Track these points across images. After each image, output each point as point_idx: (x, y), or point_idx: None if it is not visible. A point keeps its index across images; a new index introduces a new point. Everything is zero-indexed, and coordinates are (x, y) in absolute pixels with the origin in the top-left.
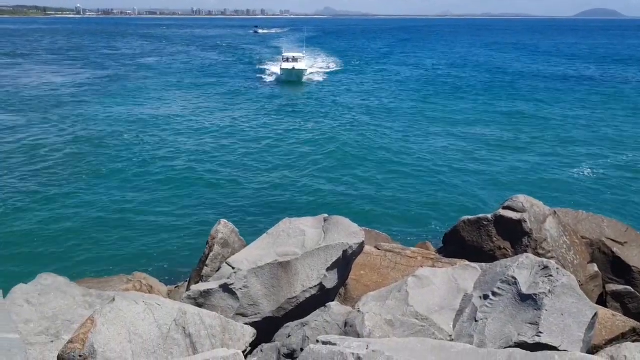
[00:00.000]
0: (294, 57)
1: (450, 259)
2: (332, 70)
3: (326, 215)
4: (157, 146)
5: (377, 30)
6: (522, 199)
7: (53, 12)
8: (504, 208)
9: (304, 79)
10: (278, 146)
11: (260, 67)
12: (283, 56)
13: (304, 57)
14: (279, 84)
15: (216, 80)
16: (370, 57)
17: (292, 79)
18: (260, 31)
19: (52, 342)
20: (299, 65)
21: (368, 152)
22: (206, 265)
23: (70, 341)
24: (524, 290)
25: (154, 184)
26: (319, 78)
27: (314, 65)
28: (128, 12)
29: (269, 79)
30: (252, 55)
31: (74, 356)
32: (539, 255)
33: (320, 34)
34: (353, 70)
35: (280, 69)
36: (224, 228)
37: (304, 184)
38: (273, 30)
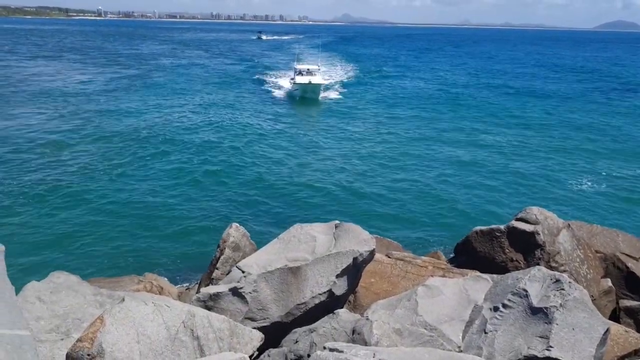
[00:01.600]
0: (308, 69)
1: (461, 270)
2: (349, 80)
3: (337, 221)
4: (171, 148)
5: (394, 37)
6: (535, 211)
7: (75, 14)
8: (517, 219)
9: (321, 95)
10: (292, 156)
11: (268, 78)
12: (296, 69)
13: (319, 69)
14: (290, 99)
15: (222, 93)
16: (389, 67)
17: (307, 95)
18: (263, 37)
19: (62, 340)
20: (315, 79)
21: (381, 161)
22: (217, 268)
23: (79, 340)
24: (535, 303)
25: (167, 185)
26: (335, 94)
27: (330, 77)
28: (148, 14)
29: (278, 93)
30: (264, 63)
31: (82, 355)
32: (551, 268)
33: (338, 39)
34: (371, 83)
35: (293, 83)
36: (235, 232)
37: (316, 191)
38: (279, 37)
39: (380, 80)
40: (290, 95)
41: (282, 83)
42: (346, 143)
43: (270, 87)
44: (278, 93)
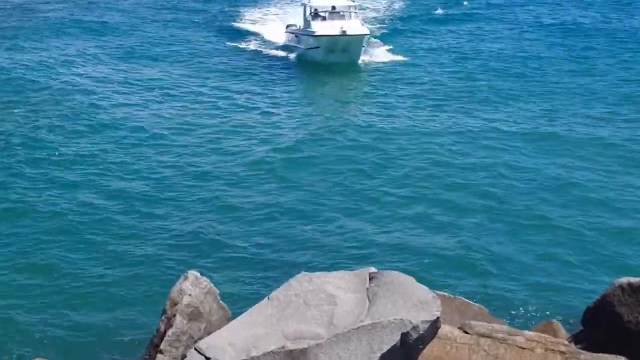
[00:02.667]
0: (334, 8)
1: (595, 354)
2: (401, 21)
3: (373, 269)
4: (95, 141)
5: None
6: None
7: None
8: None
9: (361, 56)
10: (291, 151)
11: (244, 25)
12: (310, 7)
13: (355, 6)
14: (300, 65)
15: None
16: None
17: (336, 57)
18: None
19: None
20: (352, 27)
21: (448, 175)
22: (160, 352)
23: None
24: None
25: (80, 201)
26: (382, 50)
27: (366, 18)
28: None
29: (268, 53)
30: None
31: None
32: None
33: None
34: (443, 25)
35: (312, 36)
36: (193, 287)
37: (335, 213)
38: None
39: (459, 22)
40: (301, 58)
41: (270, 33)
42: (384, 141)
43: (252, 43)
44: (269, 53)
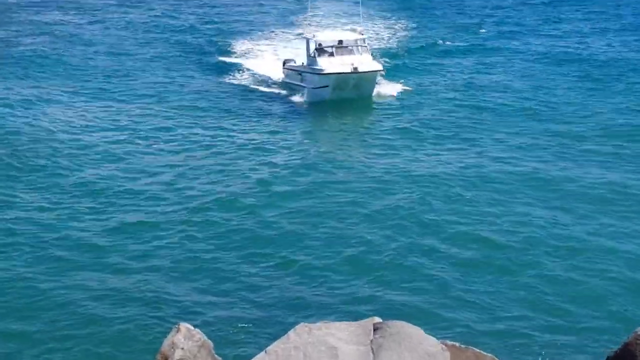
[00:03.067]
0: (340, 42)
1: None
2: (413, 52)
3: (378, 319)
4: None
5: None
6: None
7: None
8: None
9: (375, 91)
10: (292, 197)
11: (235, 59)
12: (316, 43)
13: (364, 38)
14: (305, 105)
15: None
16: (489, 23)
17: (348, 94)
18: None
19: None
20: (364, 63)
21: (452, 221)
22: None
23: None
24: None
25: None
26: (395, 87)
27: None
28: None
29: (264, 90)
30: (218, 25)
31: None
32: None
33: None
34: (460, 56)
35: (320, 74)
36: (186, 340)
37: (336, 260)
38: None
39: (466, 54)
40: (307, 98)
41: (264, 68)
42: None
43: (247, 79)
44: (266, 91)
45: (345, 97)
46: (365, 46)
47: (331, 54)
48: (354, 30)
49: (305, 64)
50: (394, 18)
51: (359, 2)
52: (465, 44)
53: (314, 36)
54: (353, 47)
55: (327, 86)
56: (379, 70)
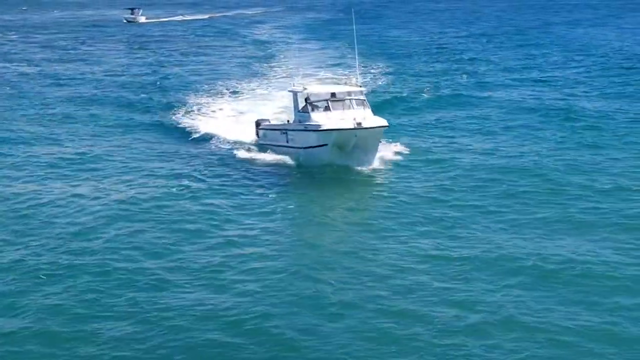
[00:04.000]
0: (333, 95)
1: None
2: (394, 105)
3: None
4: None
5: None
6: None
7: None
8: None
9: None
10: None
11: (192, 121)
12: (309, 96)
13: (362, 90)
14: (290, 170)
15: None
16: (458, 72)
17: (350, 158)
18: (140, 18)
19: None
20: (369, 118)
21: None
22: None
23: None
24: None
25: None
26: (393, 148)
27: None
28: None
29: (242, 156)
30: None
31: None
32: None
33: (341, 11)
34: (446, 109)
35: (316, 130)
36: None
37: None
38: (193, 17)
39: (454, 106)
40: (298, 161)
41: (228, 129)
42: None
43: (212, 143)
44: (240, 156)
45: (344, 161)
46: (364, 99)
47: (327, 108)
48: (346, 82)
49: (292, 120)
50: (372, 64)
51: (354, 47)
52: (449, 94)
53: (304, 88)
54: (350, 100)
55: (325, 145)
56: (385, 127)
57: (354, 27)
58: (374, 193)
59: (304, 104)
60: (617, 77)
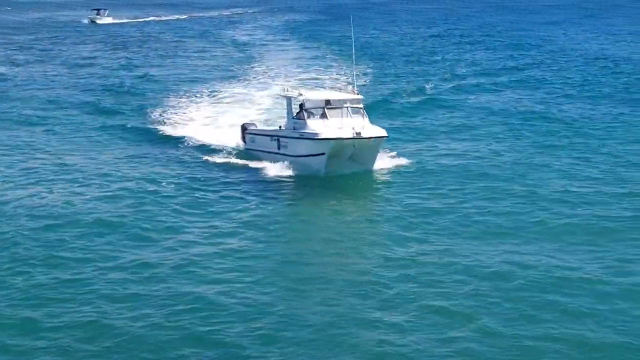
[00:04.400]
0: (328, 102)
1: None
2: (381, 107)
3: None
4: None
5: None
6: None
7: None
8: None
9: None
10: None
11: (170, 130)
12: (304, 102)
13: (360, 99)
14: (303, 180)
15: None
16: (441, 72)
17: (347, 166)
18: (101, 20)
19: None
20: (369, 128)
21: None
22: None
23: None
24: None
25: None
26: (389, 156)
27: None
28: None
29: (221, 161)
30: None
31: None
32: None
33: (320, 13)
34: (443, 107)
35: (313, 139)
36: None
37: None
38: (164, 17)
39: (441, 109)
40: (298, 169)
41: (210, 136)
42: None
43: (195, 151)
44: (221, 162)
45: (339, 171)
46: (361, 107)
47: (323, 115)
48: (342, 89)
49: (286, 127)
50: (357, 65)
51: (351, 54)
52: (430, 98)
53: (299, 94)
54: (348, 108)
55: (322, 154)
56: (385, 137)
57: (352, 33)
58: (355, 200)
59: (299, 110)
60: (595, 78)
